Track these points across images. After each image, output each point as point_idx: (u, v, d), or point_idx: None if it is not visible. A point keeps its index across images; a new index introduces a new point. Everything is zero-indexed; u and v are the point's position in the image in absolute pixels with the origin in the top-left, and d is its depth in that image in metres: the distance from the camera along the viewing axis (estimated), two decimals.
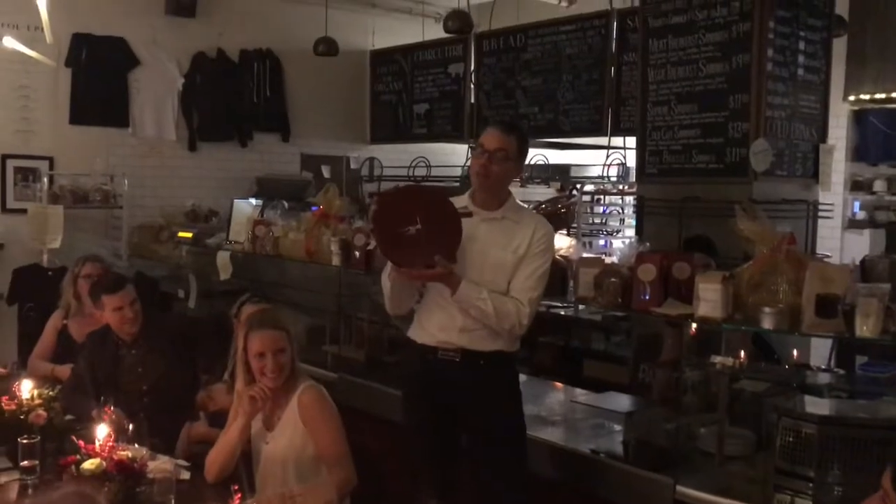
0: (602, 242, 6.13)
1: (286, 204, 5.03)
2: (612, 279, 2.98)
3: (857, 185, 5.47)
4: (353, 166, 7.26)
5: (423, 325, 2.92)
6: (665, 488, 2.72)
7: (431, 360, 2.86)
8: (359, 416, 3.57)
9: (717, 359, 2.67)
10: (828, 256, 4.57)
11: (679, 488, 2.69)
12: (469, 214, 2.77)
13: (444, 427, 2.89)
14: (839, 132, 5.56)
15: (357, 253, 4.09)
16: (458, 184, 6.38)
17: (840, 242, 5.30)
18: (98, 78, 6.14)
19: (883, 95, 5.29)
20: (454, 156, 7.00)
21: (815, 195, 4.54)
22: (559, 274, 3.19)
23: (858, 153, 5.73)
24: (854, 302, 2.42)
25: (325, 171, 6.96)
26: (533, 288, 2.82)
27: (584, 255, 3.43)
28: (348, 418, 3.01)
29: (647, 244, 3.19)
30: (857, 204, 5.38)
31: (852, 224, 5.34)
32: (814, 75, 4.42)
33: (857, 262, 2.73)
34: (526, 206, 3.12)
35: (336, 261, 4.17)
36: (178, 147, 6.55)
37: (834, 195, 5.11)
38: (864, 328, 2.38)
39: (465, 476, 2.91)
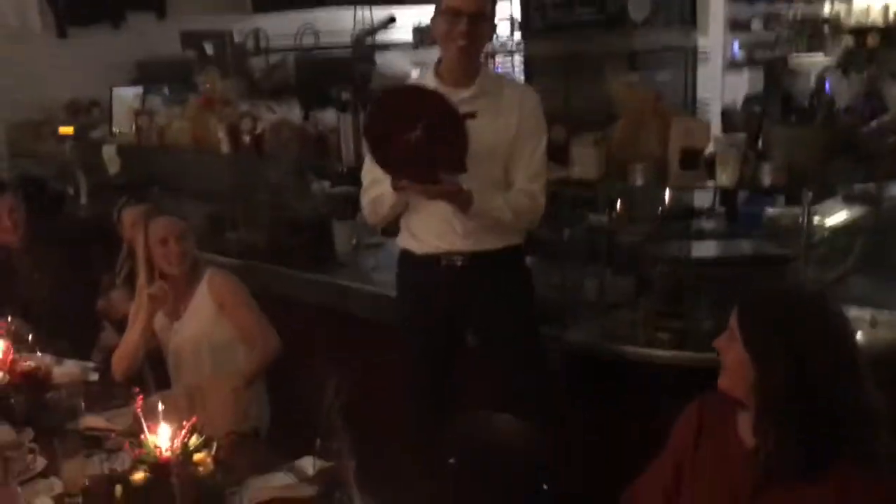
0: None
1: (167, 91, 4.85)
2: None
3: (735, 25, 5.59)
4: (237, 40, 6.96)
5: (417, 235, 2.61)
6: (553, 339, 2.88)
7: (433, 269, 2.58)
8: (266, 299, 3.65)
9: (593, 217, 2.82)
10: (707, 101, 4.77)
11: (566, 338, 2.88)
12: (473, 116, 2.38)
13: (449, 331, 2.67)
14: None
15: (247, 137, 4.04)
16: (349, 51, 6.25)
17: (721, 84, 5.47)
18: None
19: None
20: (342, 22, 6.79)
21: (695, 40, 4.65)
22: None
23: None
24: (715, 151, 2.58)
25: (208, 48, 6.66)
26: (539, 173, 2.52)
27: None
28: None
29: None
30: (736, 44, 5.53)
31: (732, 65, 5.50)
32: None
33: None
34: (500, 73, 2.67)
35: (225, 147, 4.10)
36: (47, 35, 6.13)
37: (713, 37, 5.22)
38: (724, 177, 2.54)
39: (471, 380, 2.74)
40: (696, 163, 2.54)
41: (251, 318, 2.87)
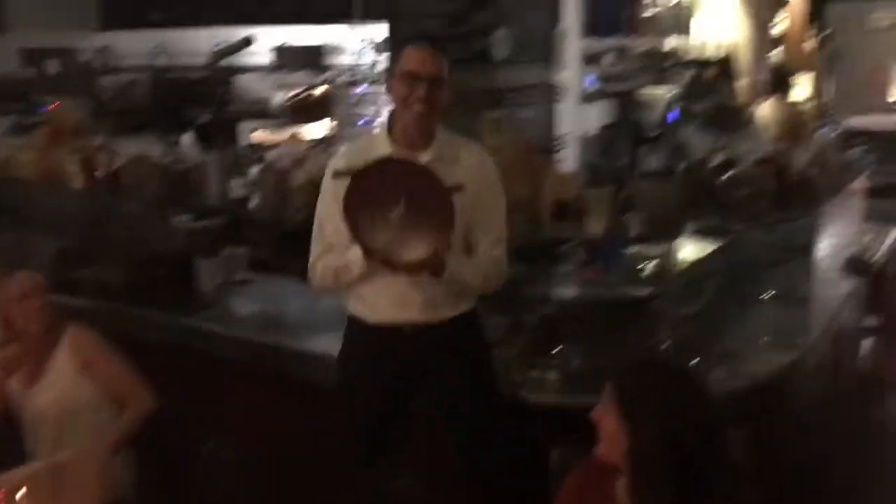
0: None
1: (10, 117, 4.53)
2: None
3: (589, 60, 5.83)
4: (83, 58, 6.59)
5: (372, 304, 2.50)
6: None
7: (386, 338, 2.50)
8: (121, 344, 3.45)
9: None
10: (564, 135, 4.96)
11: None
12: (460, 189, 2.29)
13: (395, 399, 2.59)
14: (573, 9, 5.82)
15: (102, 172, 3.84)
16: (206, 73, 6.06)
17: (577, 116, 5.69)
18: None
19: None
20: (198, 43, 6.56)
21: (553, 76, 4.84)
22: None
23: (591, 28, 6.07)
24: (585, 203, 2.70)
25: (52, 67, 6.27)
26: (500, 238, 2.50)
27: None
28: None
29: None
30: (590, 79, 5.76)
31: (587, 98, 5.73)
32: None
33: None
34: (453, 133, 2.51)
35: (77, 182, 3.88)
36: None
37: (570, 72, 5.42)
38: (593, 226, 2.66)
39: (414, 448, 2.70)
40: (567, 214, 2.64)
41: (121, 374, 2.74)
